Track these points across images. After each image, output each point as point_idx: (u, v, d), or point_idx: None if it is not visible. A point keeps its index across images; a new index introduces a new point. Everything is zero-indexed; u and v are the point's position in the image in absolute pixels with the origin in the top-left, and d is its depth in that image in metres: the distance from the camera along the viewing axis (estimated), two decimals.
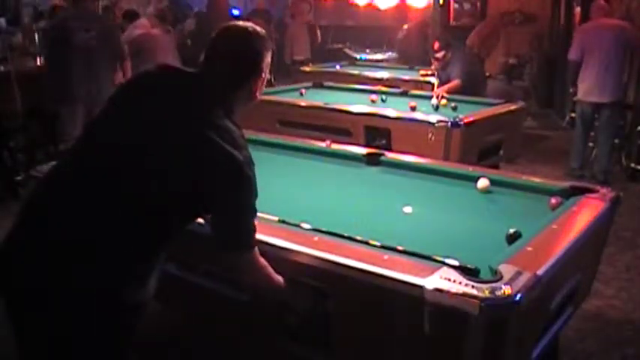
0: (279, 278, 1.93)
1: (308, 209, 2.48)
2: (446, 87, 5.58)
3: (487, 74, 7.10)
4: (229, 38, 1.85)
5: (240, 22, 1.92)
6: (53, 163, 1.96)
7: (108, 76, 5.25)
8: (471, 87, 5.64)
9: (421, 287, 1.73)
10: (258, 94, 1.91)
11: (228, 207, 1.74)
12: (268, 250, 1.98)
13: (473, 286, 1.71)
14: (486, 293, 1.68)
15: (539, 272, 1.82)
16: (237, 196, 1.72)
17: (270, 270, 1.90)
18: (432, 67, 6.01)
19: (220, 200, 1.72)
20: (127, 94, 1.87)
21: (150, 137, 1.69)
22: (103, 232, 1.63)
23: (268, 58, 1.89)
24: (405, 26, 8.59)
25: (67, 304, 1.59)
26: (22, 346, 1.71)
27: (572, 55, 5.80)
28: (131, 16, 6.69)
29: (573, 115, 6.37)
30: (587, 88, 5.71)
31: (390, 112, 4.63)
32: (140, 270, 1.69)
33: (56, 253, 1.60)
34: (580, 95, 5.82)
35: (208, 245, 1.80)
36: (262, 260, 1.86)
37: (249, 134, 2.03)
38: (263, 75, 1.89)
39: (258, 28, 1.89)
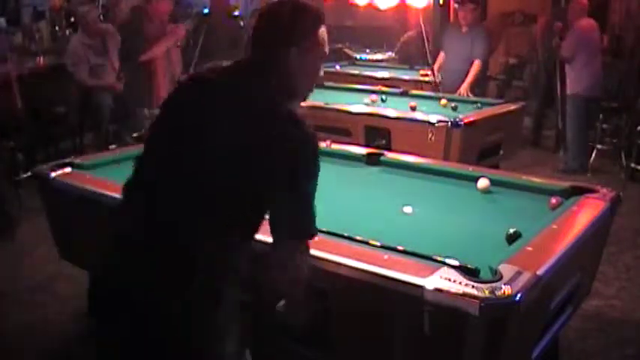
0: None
1: None
2: (470, 76, 5.58)
3: (487, 74, 7.10)
4: (269, 12, 1.79)
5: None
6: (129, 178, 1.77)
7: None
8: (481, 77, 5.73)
9: (421, 287, 1.74)
10: (316, 67, 1.81)
11: (302, 189, 1.65)
12: (268, 250, 1.97)
13: (473, 286, 1.71)
14: (486, 293, 1.68)
15: (539, 272, 1.83)
16: (312, 177, 1.66)
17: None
18: (460, 20, 5.99)
19: (295, 183, 1.63)
20: (185, 100, 1.77)
21: (225, 135, 1.63)
22: (203, 231, 1.59)
23: (318, 29, 1.78)
24: (406, 34, 8.60)
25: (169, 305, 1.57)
26: None
27: (569, 52, 5.88)
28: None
29: None
30: (591, 85, 5.88)
31: (390, 112, 4.63)
32: (235, 266, 1.66)
33: (155, 262, 1.58)
34: (583, 91, 5.89)
35: None
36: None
37: None
38: (311, 44, 1.76)
39: (307, 3, 1.80)
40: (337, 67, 8.18)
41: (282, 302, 1.83)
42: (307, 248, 1.70)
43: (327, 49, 1.83)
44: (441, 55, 6.28)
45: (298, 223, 1.67)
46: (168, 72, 4.76)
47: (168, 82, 4.78)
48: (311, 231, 1.69)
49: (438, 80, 6.27)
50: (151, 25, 4.67)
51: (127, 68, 5.13)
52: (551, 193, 2.68)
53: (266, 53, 1.74)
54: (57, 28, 8.17)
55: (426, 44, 6.44)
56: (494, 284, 1.73)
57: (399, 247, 2.01)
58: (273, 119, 1.65)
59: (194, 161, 1.64)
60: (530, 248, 2.03)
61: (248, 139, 1.62)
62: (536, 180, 2.91)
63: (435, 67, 6.29)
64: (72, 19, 7.72)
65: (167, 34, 4.74)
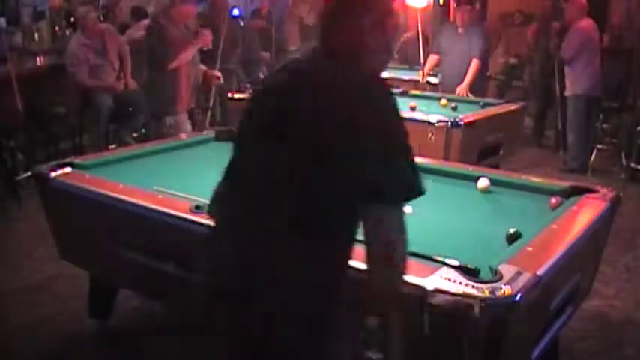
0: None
1: None
2: (469, 76, 5.59)
3: (487, 74, 7.10)
4: None
5: None
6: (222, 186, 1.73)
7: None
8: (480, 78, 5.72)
9: (421, 287, 1.74)
10: (390, 42, 1.71)
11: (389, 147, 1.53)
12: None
13: (473, 286, 1.71)
14: (486, 293, 1.68)
15: (539, 272, 1.82)
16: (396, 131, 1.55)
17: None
18: (457, 20, 6.00)
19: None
20: (257, 107, 1.72)
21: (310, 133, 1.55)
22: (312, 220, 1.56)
23: (389, 12, 1.70)
24: (406, 35, 8.63)
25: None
26: None
27: (570, 53, 5.87)
28: (139, 14, 6.67)
29: None
30: (591, 85, 5.91)
31: None
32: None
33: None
34: (583, 92, 5.90)
35: None
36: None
37: None
38: (384, 16, 1.66)
39: None
40: None
41: (372, 320, 1.64)
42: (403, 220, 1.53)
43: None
44: (432, 57, 6.25)
45: (393, 184, 1.50)
46: (192, 75, 4.66)
47: (192, 86, 4.66)
48: (409, 193, 1.53)
49: (427, 81, 6.28)
50: (176, 30, 4.38)
51: (150, 74, 4.94)
52: (551, 193, 2.68)
53: (337, 35, 1.65)
54: (57, 28, 8.17)
55: (421, 45, 6.43)
56: (494, 284, 1.72)
57: None
58: (354, 97, 1.54)
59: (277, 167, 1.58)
60: (530, 248, 2.03)
61: (332, 128, 1.51)
62: (536, 180, 2.90)
63: (426, 68, 6.28)
64: (72, 19, 7.72)
65: (195, 39, 4.52)
